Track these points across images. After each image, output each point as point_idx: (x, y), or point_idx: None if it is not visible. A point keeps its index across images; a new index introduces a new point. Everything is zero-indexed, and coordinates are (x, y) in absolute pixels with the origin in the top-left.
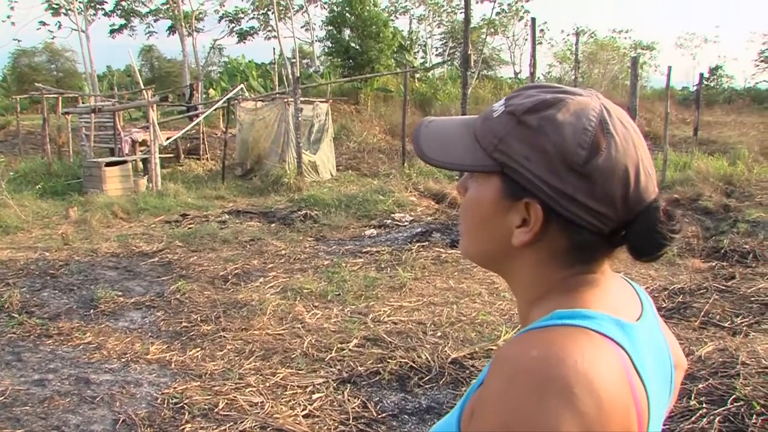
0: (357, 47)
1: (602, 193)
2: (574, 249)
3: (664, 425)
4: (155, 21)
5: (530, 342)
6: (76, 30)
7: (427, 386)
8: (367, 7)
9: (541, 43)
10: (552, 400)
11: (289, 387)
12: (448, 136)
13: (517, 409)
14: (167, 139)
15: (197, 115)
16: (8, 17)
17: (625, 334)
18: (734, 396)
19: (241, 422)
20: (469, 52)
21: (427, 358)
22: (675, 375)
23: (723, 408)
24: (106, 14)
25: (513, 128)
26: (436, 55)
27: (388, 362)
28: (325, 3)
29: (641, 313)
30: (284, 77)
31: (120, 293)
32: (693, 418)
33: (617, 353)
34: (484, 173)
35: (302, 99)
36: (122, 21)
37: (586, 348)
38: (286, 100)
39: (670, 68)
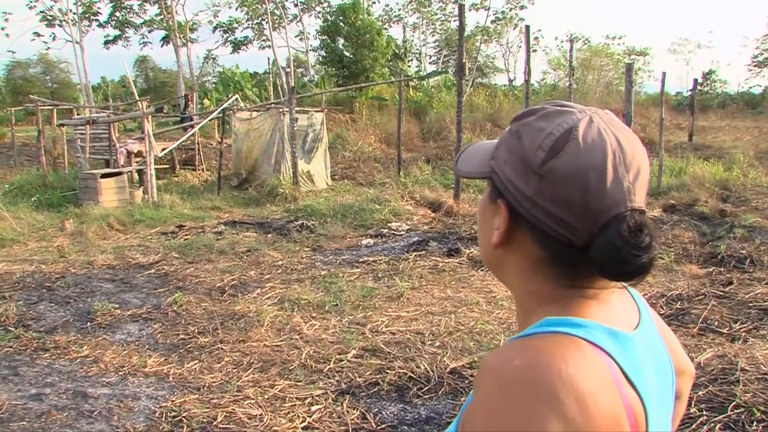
0: (351, 56)
1: (558, 196)
2: (553, 260)
3: None
4: (149, 32)
5: (514, 351)
6: (70, 41)
7: (426, 397)
8: (361, 16)
9: (535, 50)
10: (537, 406)
11: (287, 399)
12: (477, 151)
13: (503, 417)
14: (163, 150)
15: (192, 126)
16: (2, 29)
17: (618, 343)
18: (734, 403)
19: None
20: (463, 60)
21: (426, 368)
22: (680, 381)
23: (723, 415)
24: (100, 25)
25: (506, 136)
26: (430, 63)
27: (387, 373)
28: (319, 12)
29: (638, 323)
30: (279, 87)
31: (117, 306)
32: (693, 426)
33: (605, 362)
34: (488, 180)
35: (297, 108)
36: (117, 32)
37: (572, 355)
38: (280, 109)
39: (664, 74)
